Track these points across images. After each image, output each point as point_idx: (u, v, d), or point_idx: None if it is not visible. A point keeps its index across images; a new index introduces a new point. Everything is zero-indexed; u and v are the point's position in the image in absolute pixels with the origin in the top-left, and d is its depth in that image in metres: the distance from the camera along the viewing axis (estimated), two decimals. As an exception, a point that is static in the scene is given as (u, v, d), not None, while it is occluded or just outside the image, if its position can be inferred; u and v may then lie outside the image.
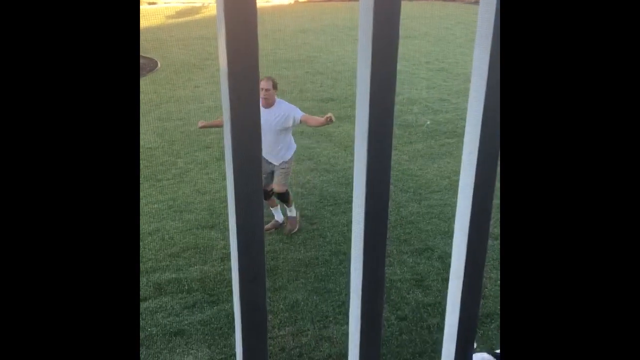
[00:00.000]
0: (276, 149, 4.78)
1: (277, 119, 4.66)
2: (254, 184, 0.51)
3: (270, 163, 4.86)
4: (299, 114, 4.72)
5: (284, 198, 4.94)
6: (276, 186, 4.85)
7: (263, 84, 4.61)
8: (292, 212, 5.03)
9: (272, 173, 4.90)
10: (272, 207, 5.08)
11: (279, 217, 5.12)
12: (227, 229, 5.16)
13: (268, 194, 4.96)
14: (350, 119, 8.27)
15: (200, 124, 5.19)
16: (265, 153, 4.76)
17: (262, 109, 4.69)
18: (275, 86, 4.68)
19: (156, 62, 11.33)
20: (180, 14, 17.03)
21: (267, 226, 5.05)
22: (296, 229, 5.02)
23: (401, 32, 0.55)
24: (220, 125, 5.14)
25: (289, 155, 4.89)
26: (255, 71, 0.47)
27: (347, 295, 3.85)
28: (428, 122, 7.75)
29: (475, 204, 0.71)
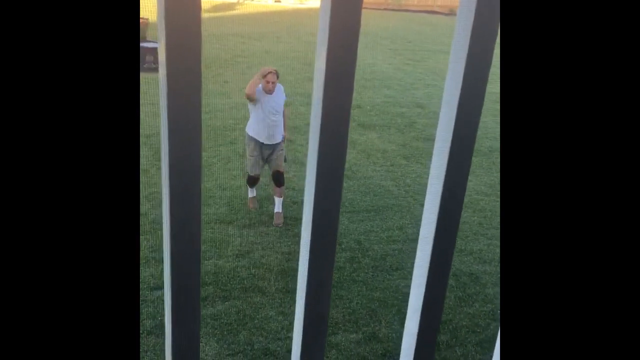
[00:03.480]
0: (273, 129, 5.20)
1: (278, 101, 5.18)
2: (337, 182, 0.51)
3: (268, 147, 5.23)
4: (284, 98, 5.29)
5: (282, 179, 5.32)
6: (280, 167, 5.29)
7: (272, 77, 5.10)
8: (280, 207, 5.36)
9: (266, 159, 5.29)
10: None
11: (252, 193, 5.54)
12: (245, 225, 5.19)
13: (256, 180, 5.40)
14: (376, 127, 8.25)
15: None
16: (265, 138, 5.16)
17: (265, 95, 5.14)
18: (278, 76, 5.21)
19: (188, 53, 11.43)
20: (217, 8, 17.19)
21: (251, 205, 5.48)
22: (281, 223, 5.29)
23: (436, 47, 0.55)
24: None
25: (280, 134, 5.30)
26: (352, 73, 0.48)
27: (358, 306, 3.81)
28: None
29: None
